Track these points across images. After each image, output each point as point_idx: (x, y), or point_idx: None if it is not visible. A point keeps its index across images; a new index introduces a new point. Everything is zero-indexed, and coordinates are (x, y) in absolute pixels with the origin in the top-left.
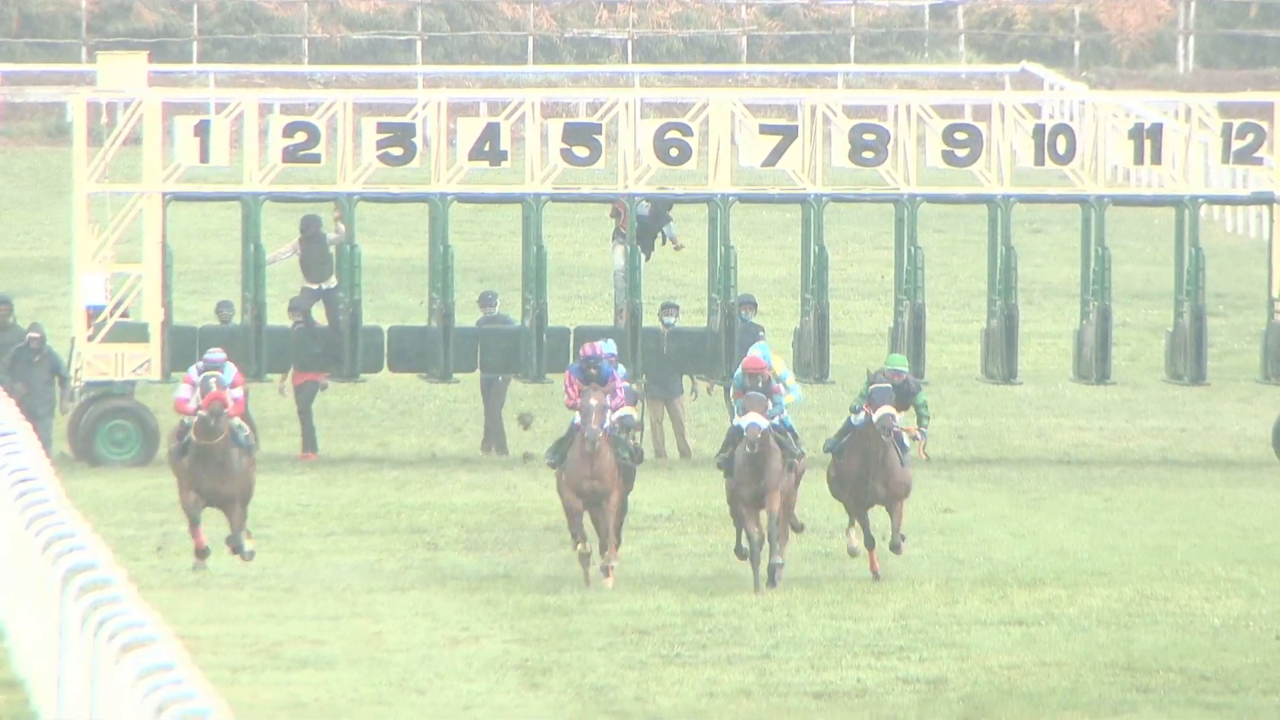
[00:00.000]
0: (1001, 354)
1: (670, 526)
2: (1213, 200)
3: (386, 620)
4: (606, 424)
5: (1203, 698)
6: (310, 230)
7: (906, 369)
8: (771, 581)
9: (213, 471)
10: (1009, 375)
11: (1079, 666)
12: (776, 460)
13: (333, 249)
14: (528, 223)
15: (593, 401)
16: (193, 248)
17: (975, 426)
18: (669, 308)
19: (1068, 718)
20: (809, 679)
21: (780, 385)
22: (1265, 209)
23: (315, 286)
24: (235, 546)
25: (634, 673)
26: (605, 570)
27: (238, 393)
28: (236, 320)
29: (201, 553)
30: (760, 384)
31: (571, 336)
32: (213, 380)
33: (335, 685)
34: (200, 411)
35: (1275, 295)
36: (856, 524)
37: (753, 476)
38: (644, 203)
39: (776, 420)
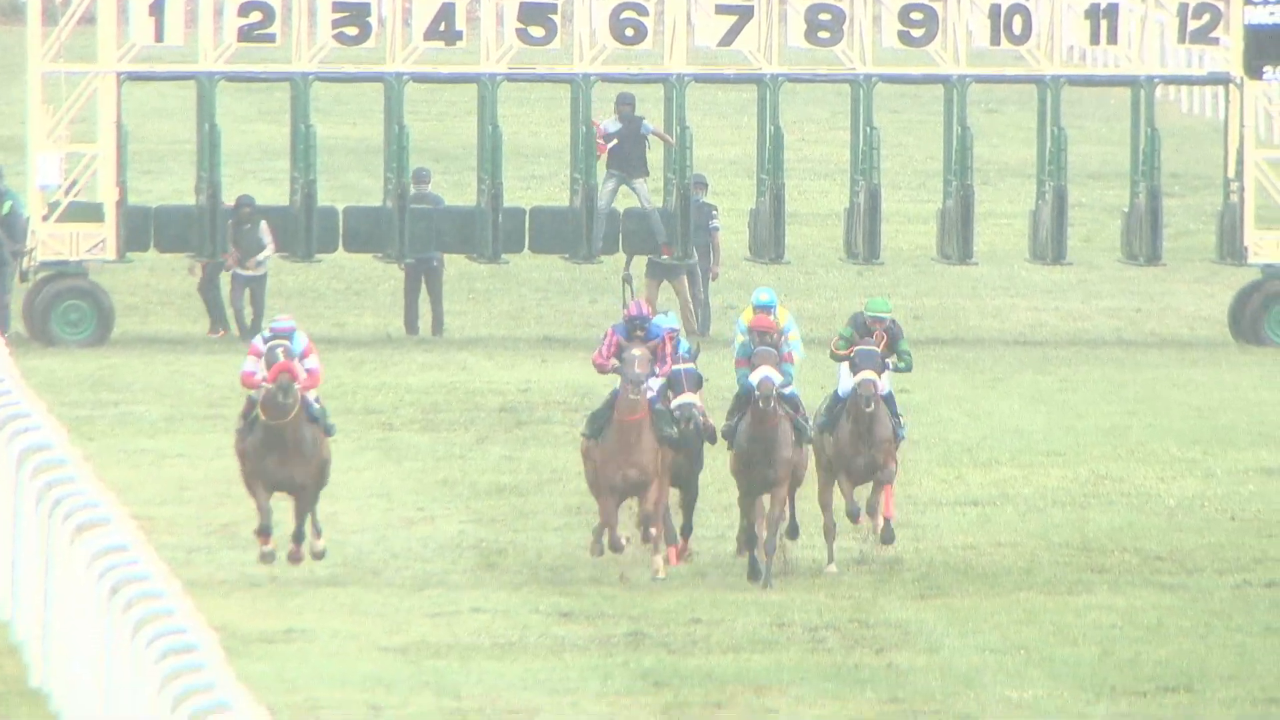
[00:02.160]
0: (957, 234)
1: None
2: (1169, 80)
3: (342, 501)
4: (654, 377)
5: (1157, 578)
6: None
7: (889, 314)
8: (756, 573)
9: (282, 454)
10: (965, 256)
11: (1034, 547)
12: (787, 443)
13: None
14: (483, 103)
15: (636, 351)
16: (148, 127)
17: (931, 307)
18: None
19: (1023, 598)
20: None
21: (784, 339)
22: (1221, 89)
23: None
24: (297, 539)
25: (589, 553)
26: (656, 557)
27: (312, 362)
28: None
29: (264, 534)
30: (770, 342)
31: (526, 216)
32: (280, 349)
33: (290, 569)
34: (266, 385)
35: (1230, 175)
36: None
37: (759, 452)
38: (612, 121)
39: (789, 390)
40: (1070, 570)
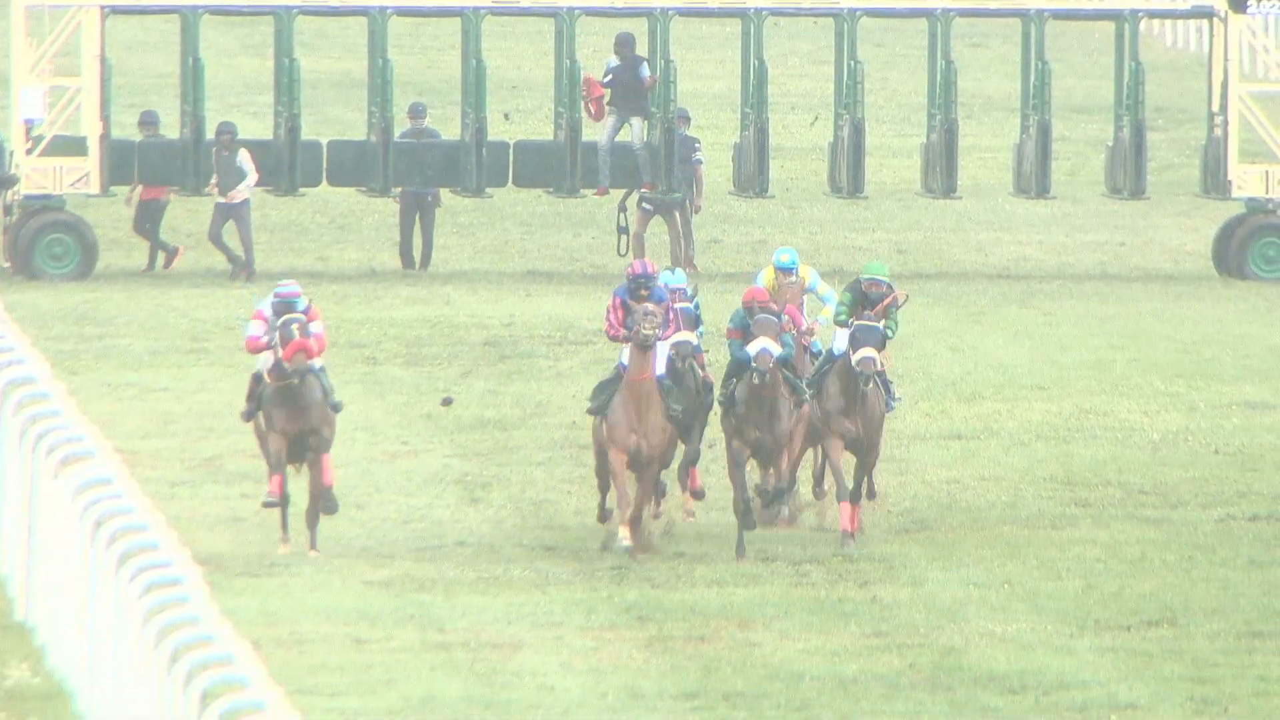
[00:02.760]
0: (941, 168)
1: (610, 343)
2: (1153, 14)
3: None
4: (660, 340)
5: (1141, 512)
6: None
7: (887, 278)
8: (739, 550)
9: (294, 409)
10: (949, 189)
11: (1018, 481)
12: (786, 411)
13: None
14: (467, 37)
15: (648, 306)
16: (132, 61)
17: (915, 241)
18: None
19: (1006, 532)
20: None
21: (813, 296)
22: (1205, 23)
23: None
24: (329, 506)
25: (574, 487)
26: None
27: (317, 328)
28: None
29: (274, 501)
30: (770, 312)
31: (510, 151)
32: (295, 326)
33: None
34: (284, 364)
35: (1214, 109)
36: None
37: (757, 420)
38: (612, 60)
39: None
40: (1054, 504)
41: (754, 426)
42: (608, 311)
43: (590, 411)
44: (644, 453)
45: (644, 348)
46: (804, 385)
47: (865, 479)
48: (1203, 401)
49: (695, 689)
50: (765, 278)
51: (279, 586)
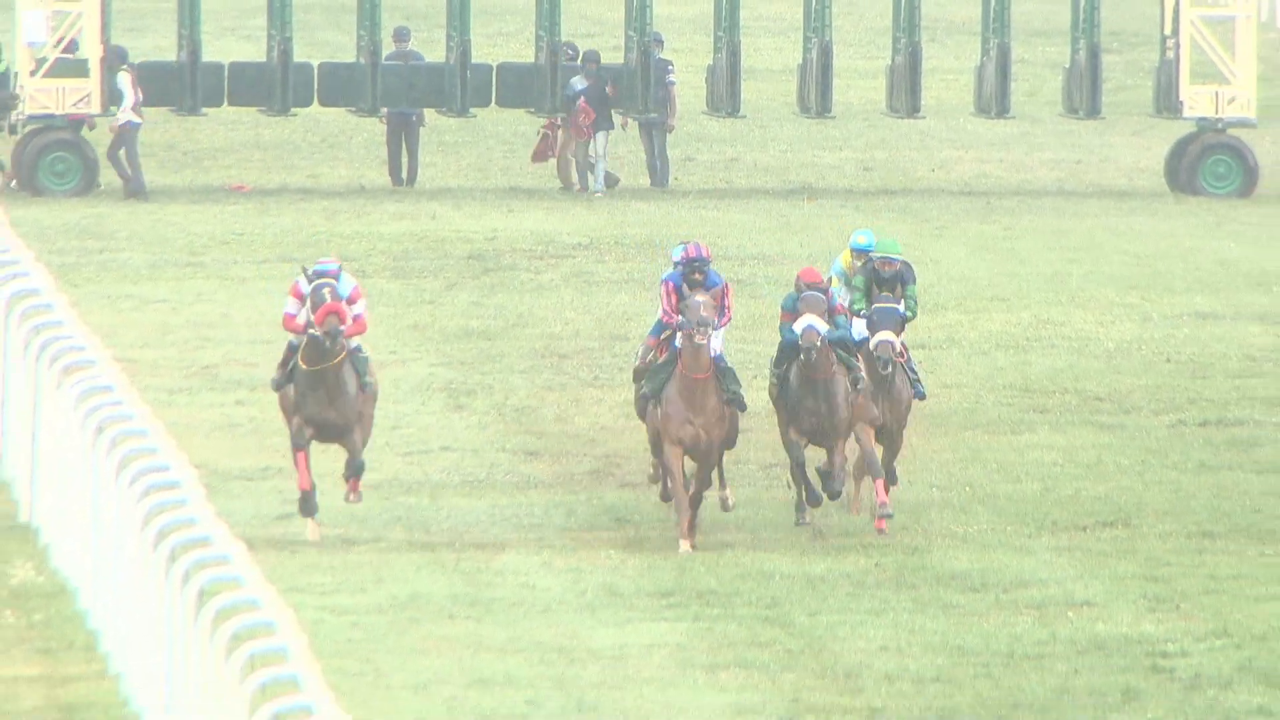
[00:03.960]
0: (905, 89)
1: (588, 255)
2: None
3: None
4: (718, 329)
5: (1097, 418)
6: None
7: (900, 255)
8: (816, 499)
9: (323, 396)
10: (913, 109)
11: (978, 388)
12: (842, 393)
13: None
14: None
15: (699, 298)
16: None
17: (880, 159)
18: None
19: (968, 437)
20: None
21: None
22: None
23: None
24: (354, 469)
25: (554, 394)
26: (723, 501)
27: (359, 308)
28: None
29: (305, 501)
30: (819, 289)
31: (494, 72)
32: (326, 290)
33: (268, 406)
34: (312, 330)
35: (1167, 33)
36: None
37: (811, 403)
38: (579, 80)
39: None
40: (1013, 411)
41: (809, 412)
42: (661, 297)
43: (644, 396)
44: (702, 442)
45: (699, 330)
46: (859, 365)
47: (890, 464)
48: (1155, 312)
49: (670, 587)
50: (843, 260)
51: (271, 489)
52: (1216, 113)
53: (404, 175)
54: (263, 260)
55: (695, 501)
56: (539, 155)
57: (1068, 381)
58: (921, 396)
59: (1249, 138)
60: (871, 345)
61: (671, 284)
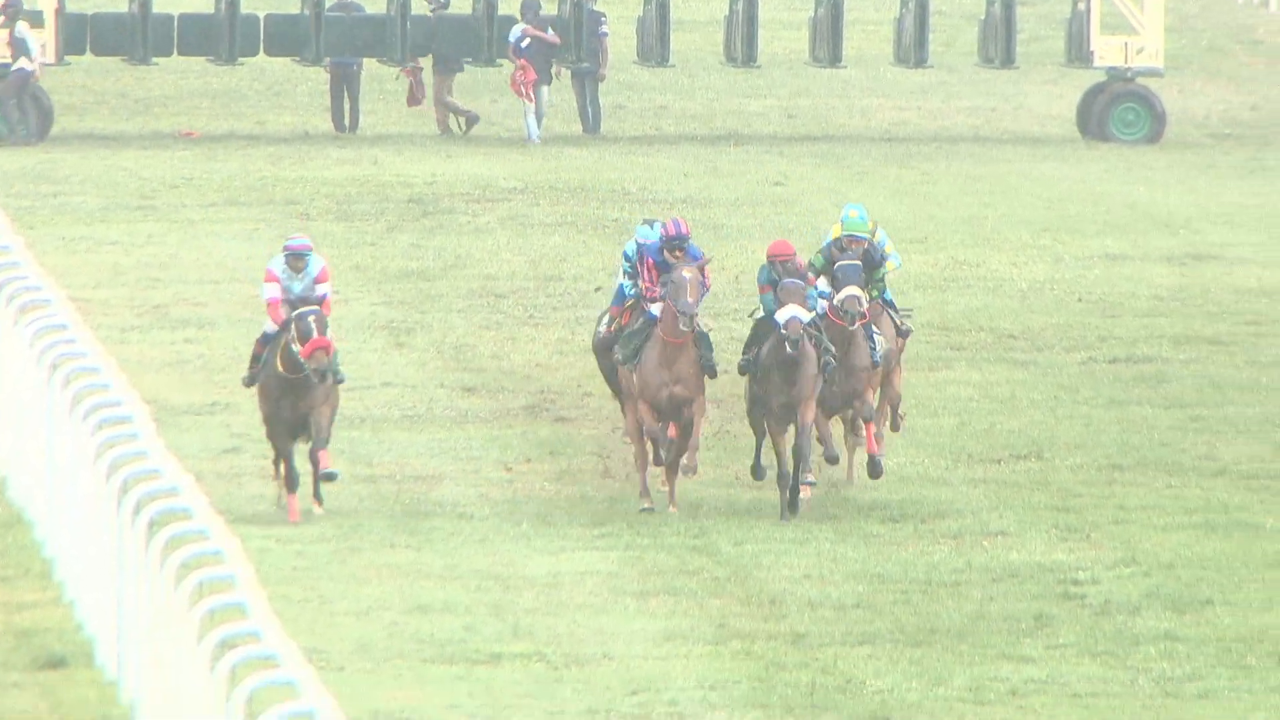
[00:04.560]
0: (828, 40)
1: (524, 199)
2: None
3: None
4: (700, 307)
5: (1011, 355)
6: None
7: (867, 233)
8: (794, 506)
9: (294, 397)
10: (834, 59)
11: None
12: (811, 365)
13: None
14: None
15: (686, 274)
16: None
17: (804, 106)
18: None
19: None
20: None
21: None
22: None
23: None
24: (321, 441)
25: (491, 333)
26: (686, 470)
27: (325, 289)
28: None
29: (290, 480)
30: (793, 271)
31: (433, 24)
32: (312, 319)
33: (216, 343)
34: (304, 361)
35: None
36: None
37: (784, 383)
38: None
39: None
40: (930, 348)
41: (780, 392)
42: (640, 270)
43: (619, 361)
44: (678, 397)
45: (686, 320)
46: (831, 347)
47: (863, 440)
48: (1067, 254)
49: (602, 518)
50: (833, 234)
51: (219, 424)
52: (1126, 62)
53: (346, 122)
54: (211, 204)
55: (692, 450)
56: (412, 100)
57: (983, 320)
58: (877, 363)
59: (1157, 86)
60: (838, 300)
61: (651, 259)
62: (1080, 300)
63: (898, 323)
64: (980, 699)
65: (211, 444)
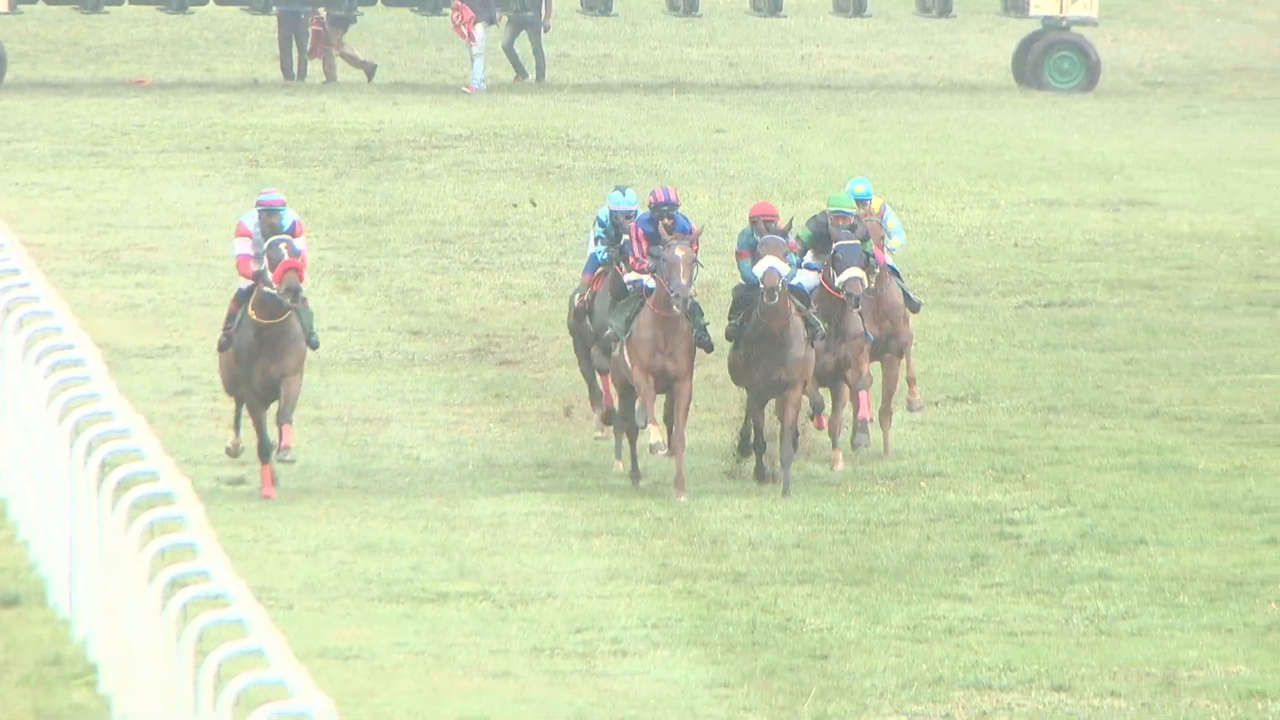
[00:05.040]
0: None
1: (470, 145)
2: None
3: (212, 230)
4: (693, 286)
5: (948, 299)
6: None
7: (854, 210)
8: (785, 490)
9: (268, 351)
10: (775, 8)
11: None
12: (800, 342)
13: None
14: None
15: (679, 252)
16: None
17: (745, 55)
18: None
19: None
20: None
21: (883, 228)
22: None
23: None
24: (287, 413)
25: (437, 277)
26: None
27: (301, 243)
28: None
29: (263, 450)
30: (776, 230)
31: None
32: (283, 245)
33: (167, 288)
34: (268, 288)
35: None
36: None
37: (768, 353)
38: None
39: (797, 281)
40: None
41: (765, 360)
42: (624, 248)
43: (611, 336)
44: (670, 371)
45: (679, 302)
46: (819, 320)
47: (859, 405)
48: (1003, 200)
49: (546, 459)
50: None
51: (170, 366)
52: (1061, 11)
53: (295, 70)
54: (162, 150)
55: (679, 428)
56: (314, 52)
57: (920, 265)
58: (918, 305)
59: (1091, 35)
60: (839, 282)
61: (641, 230)
62: (1016, 245)
63: (908, 294)
64: (918, 636)
65: (163, 387)
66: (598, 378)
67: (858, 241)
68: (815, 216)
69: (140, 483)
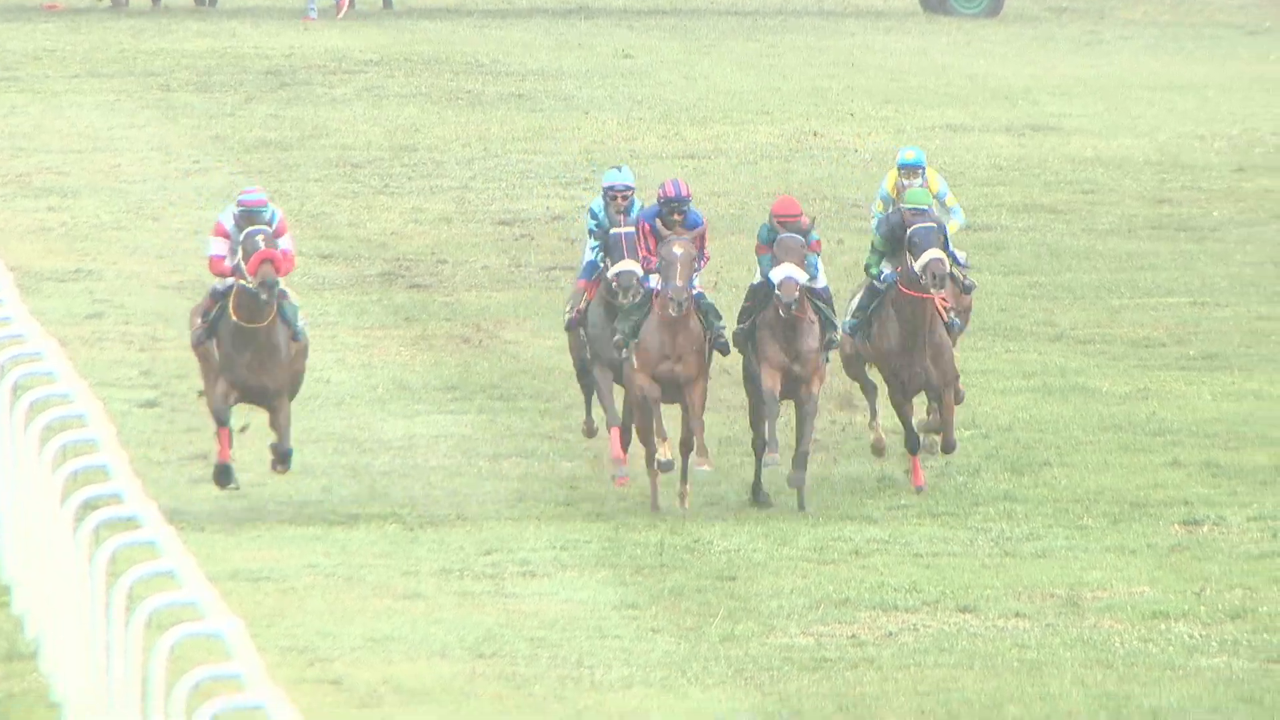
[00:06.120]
0: None
1: (379, 70)
2: None
3: (125, 154)
4: (696, 284)
5: (854, 223)
6: None
7: (929, 205)
8: (800, 496)
9: (253, 358)
10: None
11: (744, 196)
12: (813, 338)
13: None
14: None
15: (677, 250)
16: None
17: None
18: None
19: (733, 240)
20: (503, 208)
21: (941, 205)
22: None
23: None
24: (281, 455)
25: (347, 202)
26: (691, 467)
27: (286, 242)
28: None
29: (223, 472)
30: (797, 228)
31: None
32: (260, 237)
33: (79, 212)
34: (244, 281)
35: None
36: (879, 415)
37: (780, 338)
38: None
39: (817, 284)
40: None
41: (779, 353)
42: (632, 242)
43: (617, 343)
44: (680, 376)
45: (675, 305)
46: (835, 320)
47: (948, 422)
48: (909, 124)
49: (455, 381)
50: (888, 181)
51: (83, 290)
52: None
53: None
54: (74, 75)
55: (686, 449)
56: None
57: (827, 189)
58: (959, 327)
59: None
60: (919, 266)
61: (648, 224)
62: None
63: (961, 279)
64: (824, 558)
65: (75, 310)
66: (596, 406)
67: (934, 224)
68: (887, 216)
69: (52, 405)
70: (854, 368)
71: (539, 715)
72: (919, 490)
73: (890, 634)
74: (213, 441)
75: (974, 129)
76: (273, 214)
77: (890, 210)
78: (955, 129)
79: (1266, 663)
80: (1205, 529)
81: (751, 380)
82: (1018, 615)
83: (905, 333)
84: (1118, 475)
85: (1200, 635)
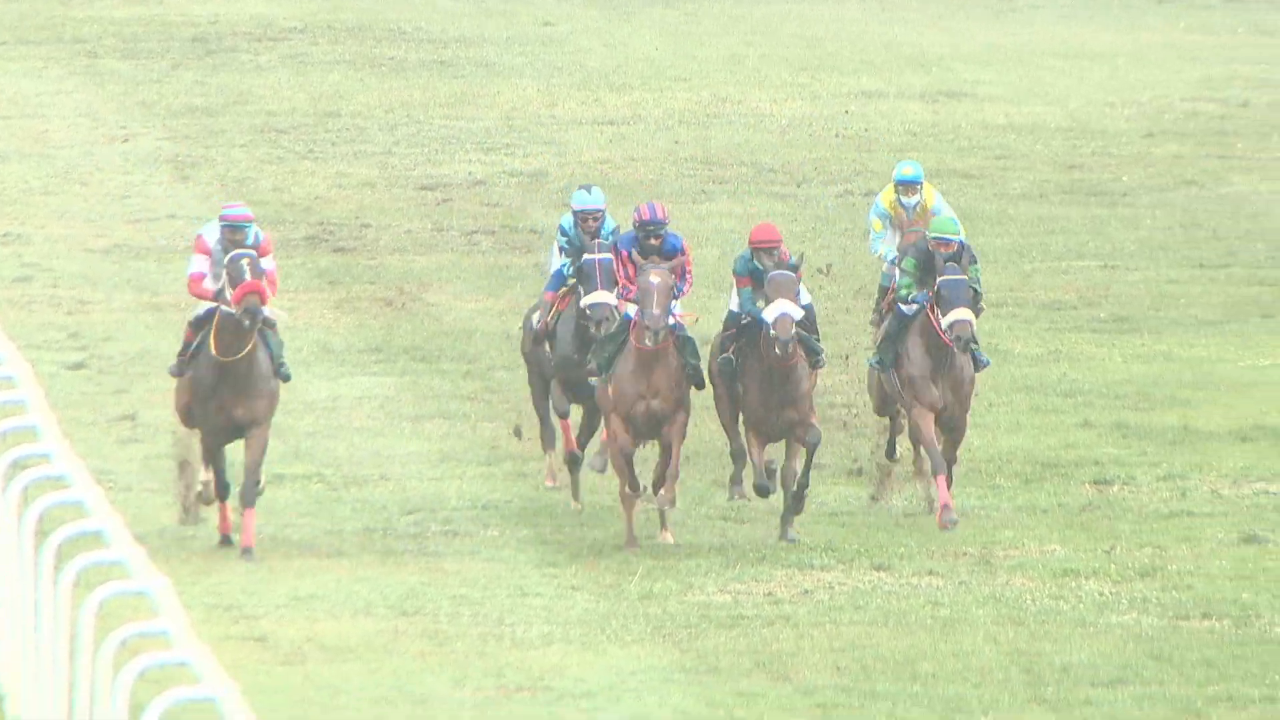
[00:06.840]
0: None
1: (304, 38)
2: None
3: (52, 120)
4: (676, 313)
5: (771, 188)
6: None
7: (958, 235)
8: (785, 533)
9: (230, 392)
10: None
11: (663, 161)
12: (802, 373)
13: None
14: None
15: (654, 279)
16: None
17: None
18: None
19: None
20: (425, 173)
21: (931, 220)
22: None
23: None
24: (249, 494)
25: (272, 167)
26: (661, 516)
27: (269, 263)
28: None
29: (220, 488)
30: (781, 264)
31: None
32: (245, 262)
33: (7, 177)
34: (228, 308)
35: None
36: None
37: (770, 390)
38: None
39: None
40: (695, 182)
41: (762, 402)
42: (609, 271)
43: (590, 372)
44: (656, 412)
45: (651, 335)
46: (820, 346)
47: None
48: (825, 91)
49: (379, 343)
50: (884, 199)
51: (11, 255)
52: None
53: None
54: (2, 42)
55: (670, 480)
56: None
57: (744, 155)
58: (985, 363)
59: None
60: (946, 325)
61: (625, 251)
62: (837, 135)
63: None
64: (741, 517)
65: (3, 273)
66: (554, 418)
67: (963, 277)
68: (916, 244)
69: None
70: (887, 407)
71: (461, 672)
72: (949, 523)
73: (806, 591)
74: (139, 405)
75: (889, 95)
76: (256, 233)
77: (917, 238)
78: (870, 95)
79: (1175, 620)
80: (1115, 488)
81: (727, 409)
82: (931, 573)
83: (933, 362)
84: (1029, 436)
85: (1110, 593)
